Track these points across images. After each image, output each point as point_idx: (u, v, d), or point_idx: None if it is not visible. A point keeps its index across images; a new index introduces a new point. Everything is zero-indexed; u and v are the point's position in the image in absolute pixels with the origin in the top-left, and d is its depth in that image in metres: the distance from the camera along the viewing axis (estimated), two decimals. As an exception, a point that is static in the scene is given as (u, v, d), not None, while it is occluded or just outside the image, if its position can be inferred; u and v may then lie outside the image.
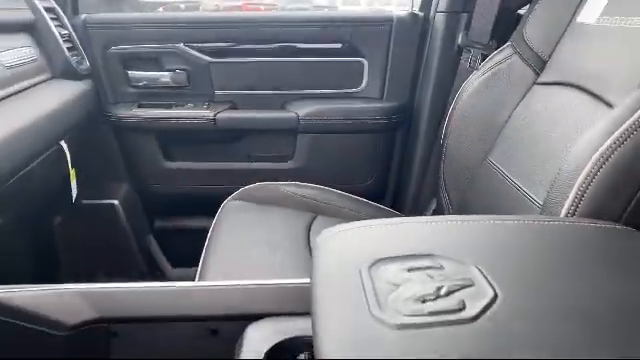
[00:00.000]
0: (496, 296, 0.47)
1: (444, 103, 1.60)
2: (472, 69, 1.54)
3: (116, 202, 1.67)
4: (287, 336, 0.66)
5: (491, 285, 0.48)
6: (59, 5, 1.47)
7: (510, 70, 1.32)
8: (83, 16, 1.60)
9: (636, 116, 0.78)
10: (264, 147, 1.77)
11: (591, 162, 0.79)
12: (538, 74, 1.25)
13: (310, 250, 1.18)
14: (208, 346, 0.72)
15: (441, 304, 0.47)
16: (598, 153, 0.79)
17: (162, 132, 1.71)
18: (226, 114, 1.68)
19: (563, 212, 0.82)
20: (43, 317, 0.69)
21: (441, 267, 0.53)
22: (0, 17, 1.18)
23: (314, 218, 1.35)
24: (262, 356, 0.63)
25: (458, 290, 0.48)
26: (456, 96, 1.41)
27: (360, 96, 1.74)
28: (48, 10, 1.37)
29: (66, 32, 1.45)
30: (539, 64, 1.25)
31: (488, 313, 0.45)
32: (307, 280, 0.57)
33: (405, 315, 0.46)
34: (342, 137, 1.72)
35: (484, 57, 1.48)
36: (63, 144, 1.29)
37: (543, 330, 0.44)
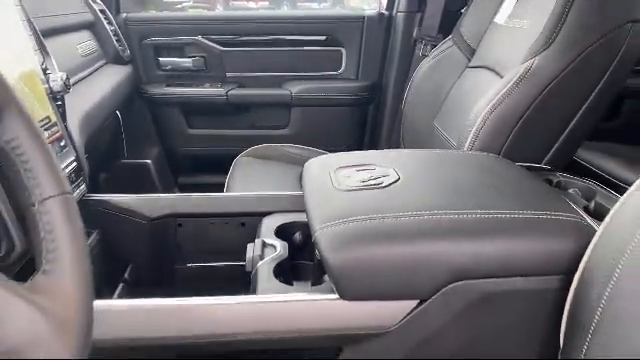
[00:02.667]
0: (399, 178, 0.82)
1: (404, 82, 1.81)
2: (424, 56, 1.75)
3: (149, 162, 1.87)
4: (287, 221, 0.97)
5: (398, 174, 0.83)
6: (106, 7, 1.70)
7: (450, 57, 1.56)
8: (124, 15, 1.82)
9: (513, 82, 1.07)
10: (265, 117, 1.96)
11: (482, 114, 1.10)
12: (469, 60, 1.49)
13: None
14: (239, 233, 1.03)
15: (369, 182, 0.82)
16: (488, 107, 1.09)
17: (185, 105, 1.91)
18: (235, 91, 1.90)
19: (465, 148, 1.13)
20: (137, 212, 1.01)
21: (374, 169, 0.87)
22: (72, 19, 1.44)
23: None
24: (272, 233, 0.93)
25: (380, 177, 0.84)
26: (412, 77, 1.66)
27: (340, 77, 1.96)
28: (101, 12, 1.62)
29: (113, 28, 1.68)
30: (470, 52, 1.49)
31: (392, 185, 0.80)
32: (300, 192, 0.87)
33: (350, 187, 0.80)
34: (326, 110, 1.94)
35: (433, 47, 1.71)
36: (118, 113, 1.58)
37: (423, 193, 0.78)
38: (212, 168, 1.87)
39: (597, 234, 0.61)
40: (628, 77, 1.14)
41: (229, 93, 1.89)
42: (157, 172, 1.91)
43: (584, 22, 1.05)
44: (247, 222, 1.04)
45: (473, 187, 0.80)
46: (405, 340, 0.68)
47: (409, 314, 0.67)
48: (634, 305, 0.55)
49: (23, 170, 0.40)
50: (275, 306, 0.68)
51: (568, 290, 0.63)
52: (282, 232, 0.95)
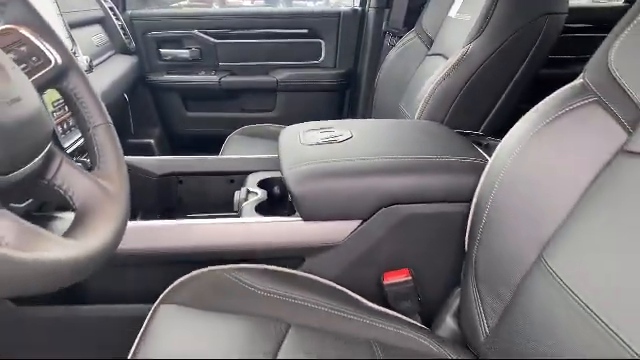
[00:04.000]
0: (352, 136, 1.03)
1: (375, 69, 1.94)
2: (391, 46, 1.89)
3: (152, 141, 2.04)
4: (267, 177, 1.16)
5: (351, 134, 1.04)
6: (114, 4, 1.87)
7: (413, 47, 1.73)
8: (129, 12, 1.99)
9: (452, 64, 1.27)
10: (253, 101, 2.13)
11: (428, 91, 1.30)
12: (428, 49, 1.66)
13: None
14: (229, 188, 1.20)
15: (328, 139, 1.03)
16: (433, 85, 1.30)
17: (183, 91, 2.08)
18: (227, 79, 2.06)
19: (415, 118, 1.34)
20: (146, 170, 1.20)
21: (334, 131, 1.08)
22: (87, 15, 1.62)
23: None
24: (255, 185, 1.14)
25: (337, 136, 1.05)
26: (382, 65, 1.84)
27: (319, 66, 2.13)
28: (110, 9, 1.80)
29: (120, 23, 1.85)
30: (429, 42, 1.66)
31: (345, 141, 1.01)
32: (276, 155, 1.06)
33: (313, 142, 1.01)
34: (307, 94, 2.11)
35: (399, 38, 1.85)
36: (125, 96, 1.77)
37: (366, 145, 0.98)
38: (207, 146, 1.93)
39: (485, 168, 0.83)
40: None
41: (222, 80, 2.06)
42: (159, 150, 2.08)
43: (507, 14, 1.26)
44: (235, 179, 1.23)
45: (406, 142, 1.01)
46: (351, 251, 0.89)
47: (354, 231, 0.89)
48: (504, 214, 0.76)
49: (82, 108, 0.61)
50: (254, 226, 0.90)
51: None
52: (263, 184, 1.14)
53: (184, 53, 2.06)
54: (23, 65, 0.52)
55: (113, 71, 1.61)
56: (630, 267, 0.55)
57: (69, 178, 0.52)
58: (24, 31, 0.56)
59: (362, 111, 2.11)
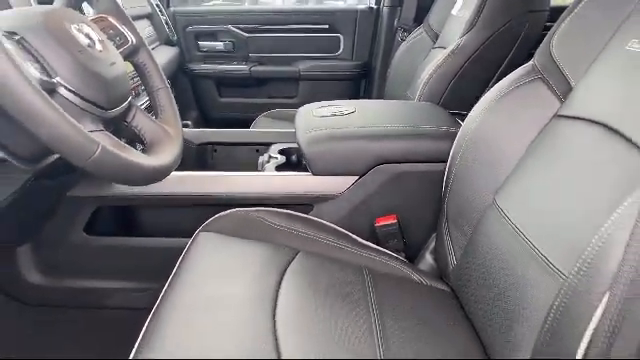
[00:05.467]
0: (355, 111, 1.22)
1: (387, 61, 2.13)
2: (402, 40, 2.05)
3: (189, 122, 2.14)
4: (287, 147, 1.35)
5: (355, 109, 1.23)
6: (160, 2, 2.07)
7: (421, 41, 1.89)
8: (172, 8, 2.20)
9: (447, 54, 1.43)
10: (279, 89, 2.31)
11: (427, 76, 1.47)
12: (434, 42, 1.81)
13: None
14: (255, 156, 1.39)
15: (335, 112, 1.22)
16: (431, 71, 1.46)
17: (218, 79, 2.27)
18: (257, 68, 2.25)
19: (415, 100, 1.51)
20: (187, 139, 1.42)
21: (341, 107, 1.27)
22: (138, 11, 1.82)
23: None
24: (276, 152, 1.34)
25: (343, 111, 1.24)
26: (394, 57, 2.01)
27: (338, 57, 2.29)
28: (157, 6, 1.99)
29: (165, 18, 2.05)
30: (435, 37, 1.81)
31: (349, 114, 1.20)
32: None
33: (322, 115, 1.21)
34: (327, 83, 2.28)
35: (409, 33, 2.02)
36: (168, 82, 1.97)
37: (365, 118, 1.18)
38: (237, 127, 2.20)
39: (459, 134, 1.00)
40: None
41: (252, 69, 2.25)
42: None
43: (495, 11, 1.42)
44: (260, 149, 1.43)
45: (397, 115, 1.20)
46: (350, 200, 1.08)
47: (352, 184, 1.07)
48: (469, 168, 0.94)
49: (149, 76, 0.82)
50: (274, 178, 1.10)
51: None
52: (282, 152, 1.33)
53: (219, 45, 2.25)
54: (111, 43, 0.73)
55: (159, 60, 1.79)
56: (557, 203, 0.71)
57: (142, 122, 0.73)
58: (111, 19, 0.77)
59: (376, 99, 2.25)
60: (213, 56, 2.28)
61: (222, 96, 2.34)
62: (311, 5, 2.55)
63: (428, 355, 0.74)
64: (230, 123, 2.21)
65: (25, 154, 0.61)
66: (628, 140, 0.59)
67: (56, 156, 0.68)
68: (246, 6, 2.51)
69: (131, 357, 0.67)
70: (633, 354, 0.44)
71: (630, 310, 0.44)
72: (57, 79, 0.57)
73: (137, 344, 0.69)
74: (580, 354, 0.49)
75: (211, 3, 2.62)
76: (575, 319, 0.51)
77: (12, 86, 0.46)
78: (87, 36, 0.63)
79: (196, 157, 1.43)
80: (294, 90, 2.32)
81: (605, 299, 0.45)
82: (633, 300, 0.44)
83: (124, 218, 1.14)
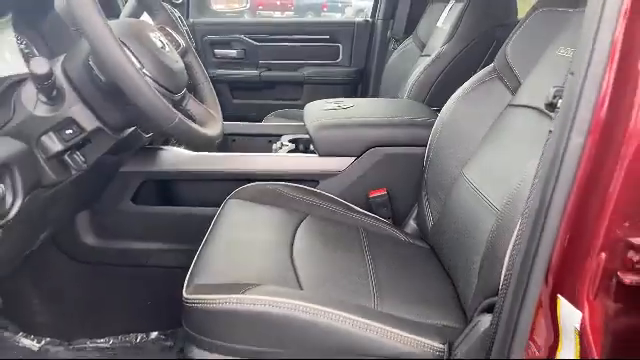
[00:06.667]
0: (353, 105, 1.45)
1: (381, 68, 2.34)
2: (394, 49, 2.27)
3: None
4: (296, 137, 1.59)
5: (353, 104, 1.46)
6: (181, 14, 2.26)
7: (410, 50, 2.11)
8: (191, 20, 2.40)
9: (430, 61, 1.67)
10: (286, 92, 2.50)
11: (413, 79, 1.71)
12: (421, 52, 2.01)
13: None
14: (268, 146, 1.62)
15: (336, 106, 1.45)
16: (416, 75, 1.70)
17: (231, 83, 2.47)
18: (266, 73, 2.46)
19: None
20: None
21: (342, 102, 1.50)
22: None
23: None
24: (287, 141, 1.56)
25: (343, 105, 1.46)
26: (387, 63, 2.24)
27: (337, 65, 2.51)
28: (179, 18, 2.22)
29: (185, 28, 2.25)
30: (422, 47, 2.02)
31: (348, 107, 1.43)
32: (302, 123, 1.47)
33: (326, 108, 1.43)
34: (327, 87, 2.46)
35: (400, 43, 2.24)
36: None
37: (361, 109, 1.41)
38: None
39: (435, 122, 1.23)
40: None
41: (261, 74, 2.46)
42: (210, 130, 2.49)
43: (470, 25, 1.66)
44: (272, 140, 1.63)
45: (387, 109, 1.42)
46: (349, 177, 1.30)
47: (351, 163, 1.29)
48: (443, 148, 1.16)
49: (194, 72, 1.04)
50: (286, 158, 1.32)
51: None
52: (292, 141, 1.53)
53: (232, 53, 2.46)
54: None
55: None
56: (502, 165, 0.94)
57: (193, 106, 0.95)
58: (167, 28, 0.99)
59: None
60: (227, 62, 2.48)
61: (235, 98, 2.54)
62: (314, 18, 2.78)
63: (413, 294, 0.95)
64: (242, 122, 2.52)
65: (115, 124, 0.83)
66: (545, 114, 0.82)
67: (133, 129, 0.89)
68: (257, 18, 2.72)
69: (185, 284, 0.88)
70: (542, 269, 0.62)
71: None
72: (144, 70, 0.79)
73: (188, 276, 0.90)
74: (504, 268, 0.69)
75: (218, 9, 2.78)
76: (502, 236, 0.73)
77: (129, 72, 0.68)
78: (160, 40, 0.85)
79: (218, 145, 1.64)
80: (299, 93, 2.51)
81: (519, 223, 0.66)
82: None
83: (164, 190, 1.36)
